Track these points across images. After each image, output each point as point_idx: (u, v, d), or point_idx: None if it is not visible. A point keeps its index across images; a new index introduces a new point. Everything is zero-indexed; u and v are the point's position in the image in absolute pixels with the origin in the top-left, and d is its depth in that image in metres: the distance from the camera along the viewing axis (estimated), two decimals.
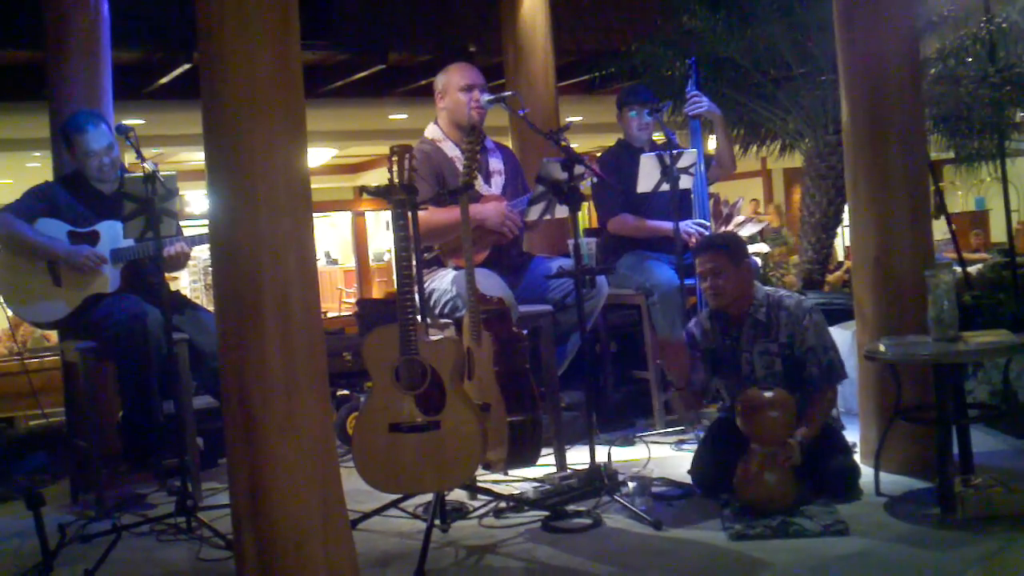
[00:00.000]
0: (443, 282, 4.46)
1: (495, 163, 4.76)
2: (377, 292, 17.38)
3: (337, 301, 17.01)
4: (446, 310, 4.39)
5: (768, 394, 3.70)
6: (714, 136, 5.57)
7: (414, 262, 3.62)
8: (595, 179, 4.56)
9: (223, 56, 2.89)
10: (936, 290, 3.68)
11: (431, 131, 4.73)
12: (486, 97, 4.59)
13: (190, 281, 14.49)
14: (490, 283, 4.28)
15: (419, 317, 3.59)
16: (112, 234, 4.44)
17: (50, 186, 4.61)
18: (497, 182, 4.72)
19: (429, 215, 4.30)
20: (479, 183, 4.58)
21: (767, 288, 4.11)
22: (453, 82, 4.65)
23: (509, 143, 6.66)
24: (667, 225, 5.00)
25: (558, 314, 4.62)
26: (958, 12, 6.54)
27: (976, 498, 3.48)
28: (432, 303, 4.42)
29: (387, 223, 19.34)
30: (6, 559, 3.79)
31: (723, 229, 5.69)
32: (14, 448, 5.46)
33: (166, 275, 4.26)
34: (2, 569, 3.61)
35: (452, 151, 4.61)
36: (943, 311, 3.67)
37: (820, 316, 3.99)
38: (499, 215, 4.47)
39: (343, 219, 19.52)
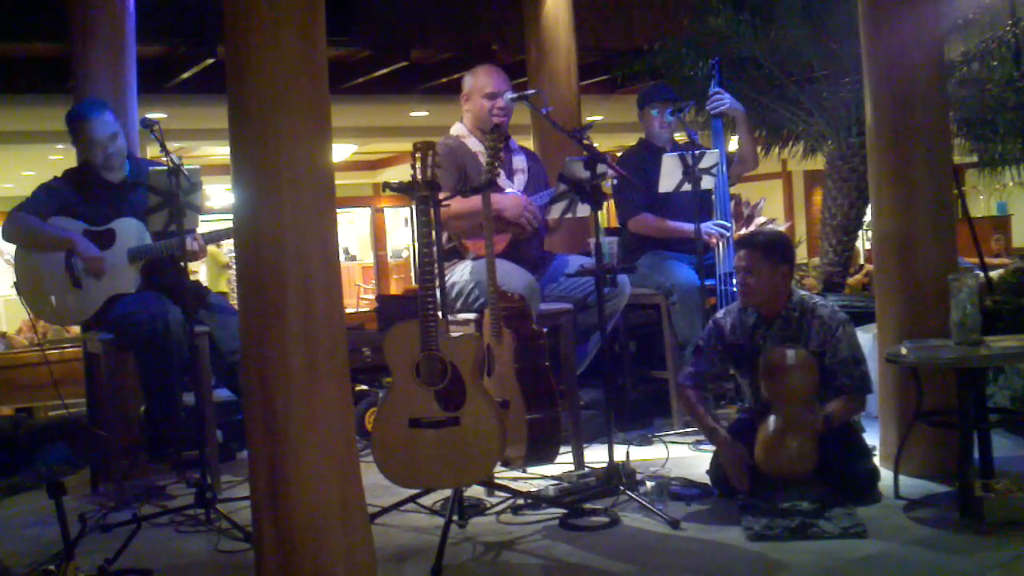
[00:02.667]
0: (463, 274, 4.47)
1: (519, 162, 4.82)
2: (395, 289, 17.44)
3: (355, 297, 17.07)
4: (470, 300, 4.41)
5: (791, 354, 3.70)
6: (736, 136, 5.55)
7: (436, 258, 3.62)
8: (616, 179, 4.55)
9: (249, 51, 2.91)
10: (959, 294, 3.66)
11: (456, 128, 4.82)
12: (509, 95, 4.63)
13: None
14: (514, 274, 4.30)
15: (440, 313, 3.59)
16: (128, 232, 4.45)
17: (58, 182, 4.61)
18: (520, 180, 4.77)
19: (451, 202, 4.31)
20: (503, 180, 4.61)
21: (803, 292, 4.09)
22: (478, 87, 4.71)
23: (531, 141, 6.67)
24: (688, 227, 4.99)
25: (579, 313, 4.63)
26: (983, 15, 6.51)
27: (997, 503, 3.46)
28: (455, 295, 4.44)
29: (405, 220, 19.42)
30: (27, 547, 3.82)
31: (744, 230, 5.66)
32: (34, 438, 5.49)
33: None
34: (23, 557, 3.64)
35: (476, 146, 4.68)
36: (966, 315, 3.65)
37: (853, 328, 3.98)
38: (517, 206, 4.52)
39: (362, 215, 19.59)
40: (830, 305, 4.05)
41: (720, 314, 4.20)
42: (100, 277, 4.40)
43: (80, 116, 4.51)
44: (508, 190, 4.65)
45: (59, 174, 4.71)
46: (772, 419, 3.70)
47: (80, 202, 4.50)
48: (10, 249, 4.55)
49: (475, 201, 4.22)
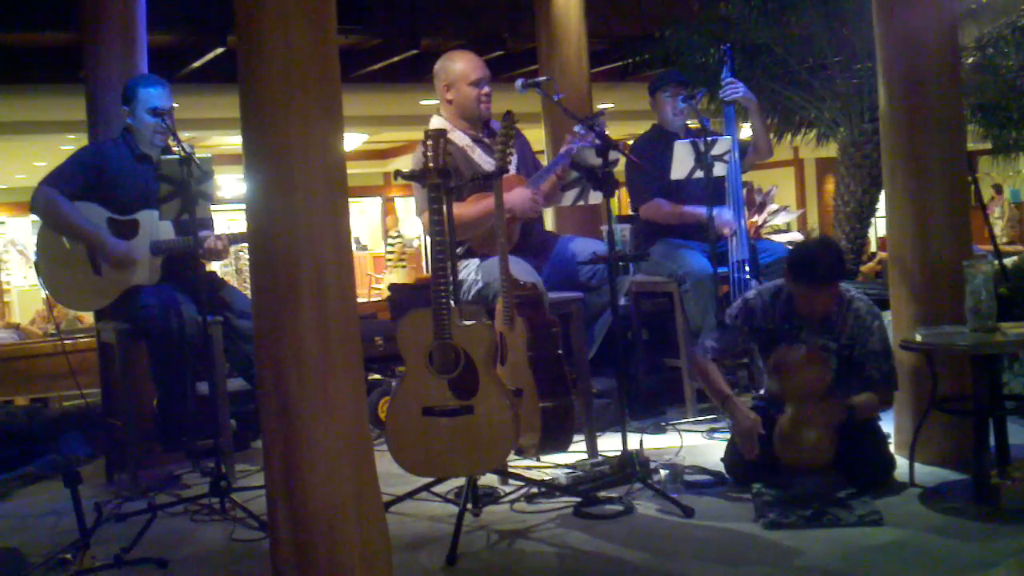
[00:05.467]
0: (467, 272, 4.44)
1: None
2: (406, 278, 17.44)
3: (366, 287, 17.09)
4: (475, 300, 4.39)
5: (801, 351, 3.69)
6: (748, 124, 5.52)
7: (448, 246, 3.62)
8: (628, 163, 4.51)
9: (260, 40, 2.89)
10: (974, 280, 3.65)
11: (436, 122, 4.57)
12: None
13: (221, 265, 14.59)
14: (519, 270, 4.27)
15: (452, 302, 3.59)
16: (152, 224, 4.43)
17: (91, 154, 4.53)
18: (512, 162, 4.61)
19: (458, 210, 4.21)
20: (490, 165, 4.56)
21: (841, 285, 4.00)
22: (460, 75, 4.52)
23: (541, 128, 6.66)
24: (702, 210, 4.97)
25: (585, 296, 4.60)
26: (997, 1, 6.47)
27: (1012, 490, 3.45)
28: (461, 292, 4.42)
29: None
30: (43, 536, 3.83)
31: (756, 217, 5.64)
32: (49, 428, 5.51)
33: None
34: (40, 546, 3.65)
35: (461, 140, 4.51)
36: (981, 301, 3.63)
37: (884, 323, 3.95)
38: (524, 201, 4.41)
39: (372, 205, 19.60)
40: (866, 298, 3.98)
41: (751, 295, 4.11)
42: (122, 268, 4.39)
43: (146, 82, 4.51)
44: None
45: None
46: (789, 412, 3.69)
47: (111, 178, 4.45)
48: (24, 241, 4.56)
49: (480, 205, 4.18)
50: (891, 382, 3.91)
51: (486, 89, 4.51)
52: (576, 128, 4.15)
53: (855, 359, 3.87)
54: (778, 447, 3.68)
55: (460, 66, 4.54)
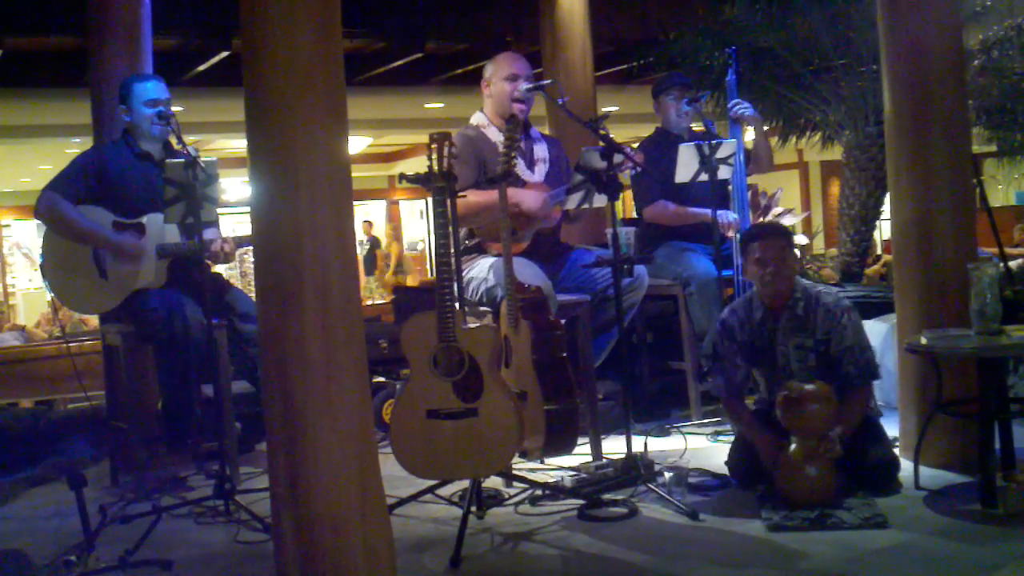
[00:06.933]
0: (480, 269, 4.46)
1: (540, 151, 4.75)
2: (411, 281, 17.46)
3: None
4: (484, 298, 4.40)
5: (809, 387, 3.68)
6: (751, 129, 5.51)
7: (452, 249, 3.62)
8: (635, 168, 4.51)
9: (265, 42, 2.90)
10: (979, 283, 3.64)
11: (476, 118, 4.74)
12: (525, 85, 4.58)
13: (226, 267, 14.62)
14: (529, 272, 4.28)
15: (457, 304, 3.59)
16: (158, 228, 4.44)
17: (93, 156, 4.57)
18: (541, 170, 4.71)
19: (468, 196, 4.29)
20: (522, 170, 4.59)
21: (805, 282, 4.08)
22: (498, 71, 4.66)
23: (546, 132, 6.65)
24: (706, 211, 4.96)
25: (600, 305, 4.61)
26: (1002, 3, 6.46)
27: (1017, 493, 3.44)
28: (470, 291, 4.42)
29: (421, 212, 19.42)
30: (48, 538, 3.84)
31: (761, 220, 5.64)
32: (54, 430, 5.52)
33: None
34: (44, 548, 3.66)
35: (496, 136, 4.58)
36: (986, 304, 3.63)
37: (857, 315, 3.96)
38: (537, 200, 4.45)
39: (377, 208, 19.61)
40: (833, 292, 4.05)
41: (725, 314, 4.14)
42: (134, 264, 4.40)
43: (141, 78, 4.55)
44: (528, 179, 4.61)
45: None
46: (792, 448, 3.66)
47: (113, 179, 4.46)
48: (28, 243, 4.58)
49: (492, 195, 4.20)
50: (868, 374, 3.91)
51: (518, 84, 4.59)
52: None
53: (832, 356, 3.88)
54: (781, 481, 3.66)
55: (499, 63, 4.70)
